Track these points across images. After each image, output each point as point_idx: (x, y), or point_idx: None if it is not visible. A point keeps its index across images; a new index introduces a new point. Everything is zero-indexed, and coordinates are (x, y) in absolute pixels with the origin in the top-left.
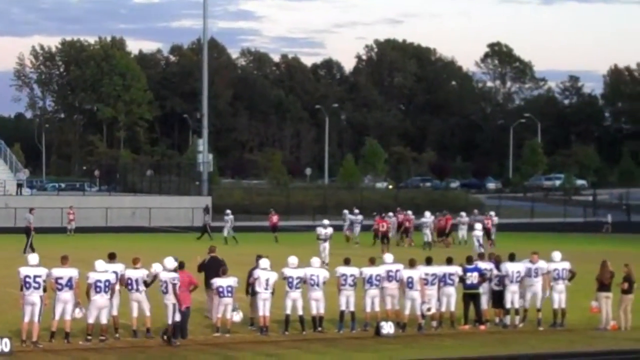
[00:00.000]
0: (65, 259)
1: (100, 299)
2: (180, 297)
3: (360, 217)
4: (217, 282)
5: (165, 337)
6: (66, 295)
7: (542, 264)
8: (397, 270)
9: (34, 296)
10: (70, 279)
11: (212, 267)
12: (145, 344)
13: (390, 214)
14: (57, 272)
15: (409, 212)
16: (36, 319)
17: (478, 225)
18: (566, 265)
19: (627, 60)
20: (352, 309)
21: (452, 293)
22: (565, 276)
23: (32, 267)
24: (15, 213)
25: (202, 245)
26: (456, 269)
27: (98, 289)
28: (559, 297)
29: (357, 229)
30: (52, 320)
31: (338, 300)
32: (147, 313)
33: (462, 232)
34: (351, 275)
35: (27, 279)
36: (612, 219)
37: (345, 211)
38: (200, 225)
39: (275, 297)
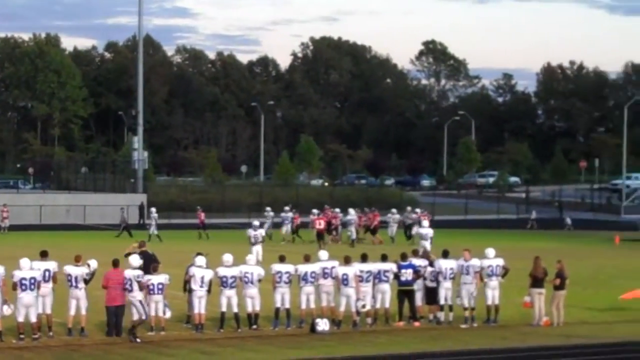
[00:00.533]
0: None
1: (26, 297)
2: (114, 295)
3: (290, 214)
4: (150, 279)
5: (129, 333)
6: None
7: (474, 261)
8: (332, 267)
9: None
10: None
11: (143, 262)
12: (80, 343)
13: (315, 211)
14: None
15: (337, 210)
16: None
17: (425, 223)
18: (500, 261)
19: (560, 59)
20: (287, 306)
21: (386, 290)
22: (499, 273)
23: None
24: None
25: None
26: (391, 266)
27: (24, 287)
28: (492, 294)
29: (288, 226)
30: None
31: (273, 298)
32: (84, 312)
33: (392, 229)
34: (286, 273)
35: None
36: (537, 216)
37: (268, 208)
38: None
39: (211, 295)
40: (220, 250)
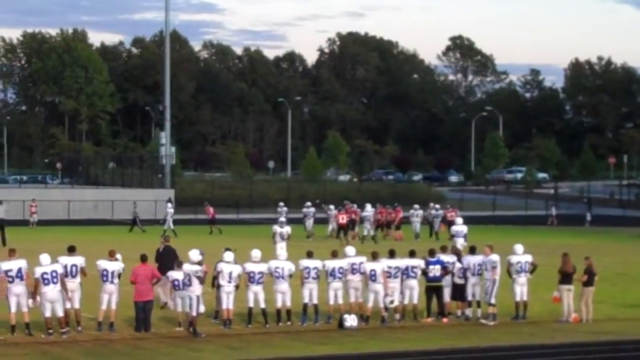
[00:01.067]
0: (12, 251)
1: (50, 292)
2: (142, 290)
3: (312, 209)
4: (173, 275)
5: (190, 329)
6: (18, 288)
7: (494, 257)
8: (360, 263)
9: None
10: (19, 270)
11: (166, 257)
12: (109, 338)
13: (332, 206)
14: (6, 265)
15: (354, 206)
16: None
17: (459, 220)
18: (528, 258)
19: (587, 54)
20: (315, 301)
21: (414, 286)
22: (528, 269)
23: None
24: None
25: (145, 237)
26: (419, 262)
27: (46, 281)
28: (521, 290)
29: (310, 221)
30: (9, 314)
31: (301, 293)
32: (114, 306)
33: (416, 226)
34: (314, 268)
35: None
36: (557, 212)
37: (281, 204)
38: (161, 218)
39: (239, 290)
40: (248, 245)
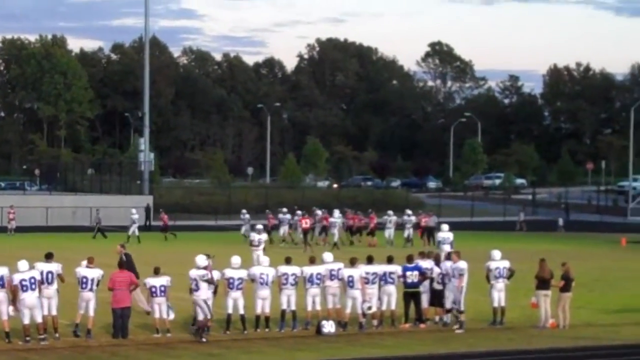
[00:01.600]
0: None
1: (28, 298)
2: (120, 296)
3: (287, 216)
4: (150, 281)
5: (196, 333)
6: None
7: (461, 264)
8: (338, 269)
9: None
10: (1, 278)
11: (129, 263)
12: (86, 345)
13: (299, 212)
14: None
15: (319, 212)
16: None
17: (445, 227)
18: (506, 263)
19: (566, 60)
20: (293, 307)
21: (392, 292)
22: (505, 274)
23: None
24: None
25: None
26: (396, 268)
27: (25, 288)
28: (499, 296)
29: (285, 228)
30: None
31: (279, 300)
32: (92, 313)
33: (389, 232)
34: (292, 274)
35: None
36: (525, 217)
37: (244, 211)
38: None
39: (217, 296)
40: (227, 252)
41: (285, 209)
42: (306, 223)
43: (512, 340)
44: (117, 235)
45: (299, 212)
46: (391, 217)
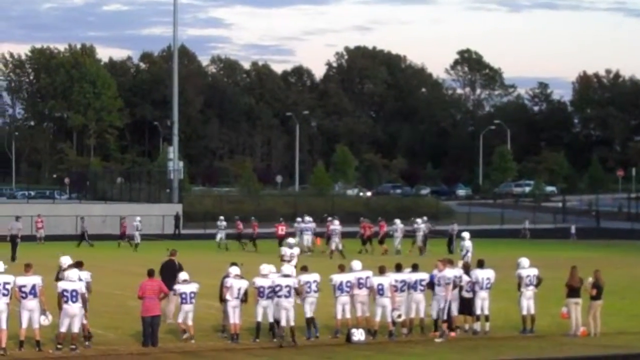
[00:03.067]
0: (28, 266)
1: (70, 308)
2: (150, 305)
3: (311, 224)
4: (180, 288)
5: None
6: (31, 304)
7: (447, 273)
8: (367, 277)
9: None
10: (33, 287)
11: (169, 271)
12: (117, 353)
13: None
14: (21, 280)
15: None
16: (4, 325)
17: (466, 234)
18: (534, 271)
19: (595, 67)
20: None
21: (421, 299)
22: (534, 282)
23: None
24: None
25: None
26: (425, 276)
27: (65, 299)
28: (528, 304)
29: (308, 236)
30: (19, 329)
31: (303, 308)
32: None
33: (397, 240)
34: (314, 282)
35: None
36: (529, 225)
37: (221, 217)
38: (174, 232)
39: (247, 305)
40: (254, 260)
41: (308, 218)
42: (282, 230)
43: (543, 349)
44: (147, 243)
45: (281, 218)
46: (398, 226)
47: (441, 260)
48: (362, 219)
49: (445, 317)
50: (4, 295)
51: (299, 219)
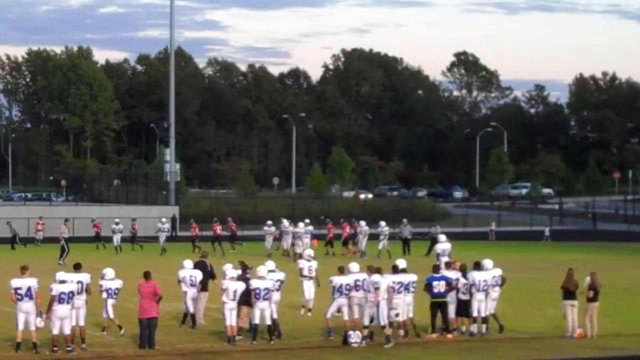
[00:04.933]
0: (24, 269)
1: (61, 309)
2: (146, 307)
3: (310, 227)
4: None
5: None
6: (27, 306)
7: (375, 278)
8: (363, 280)
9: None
10: (29, 289)
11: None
12: (113, 355)
13: (215, 219)
14: (16, 282)
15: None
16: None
17: (442, 237)
18: (498, 272)
19: (592, 69)
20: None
21: (411, 301)
22: (499, 283)
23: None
24: None
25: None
26: (416, 277)
27: (61, 300)
28: (492, 304)
29: (306, 240)
30: (15, 331)
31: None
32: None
33: (382, 243)
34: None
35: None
36: (496, 227)
37: (163, 219)
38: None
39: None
40: (254, 262)
41: (307, 220)
42: (218, 230)
43: (540, 351)
44: (144, 245)
45: (215, 218)
46: (384, 229)
47: (368, 266)
48: (328, 220)
49: (382, 322)
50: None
51: (285, 223)
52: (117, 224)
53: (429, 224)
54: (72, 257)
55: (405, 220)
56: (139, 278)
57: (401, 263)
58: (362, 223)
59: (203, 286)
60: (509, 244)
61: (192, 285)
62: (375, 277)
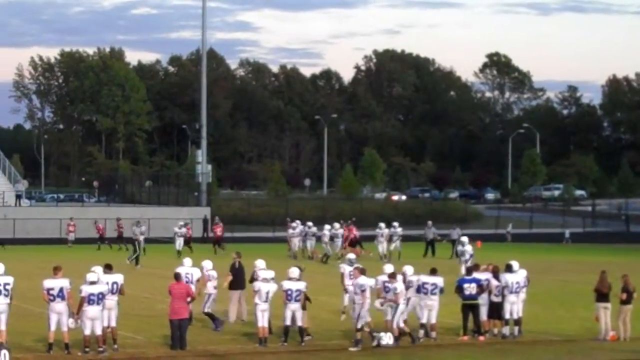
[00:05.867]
0: (57, 269)
1: (91, 310)
2: (177, 308)
3: (340, 230)
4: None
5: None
6: (59, 306)
7: (360, 281)
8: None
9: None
10: (61, 290)
11: (240, 272)
12: (145, 355)
13: (337, 225)
14: (48, 283)
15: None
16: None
17: (465, 239)
18: (524, 273)
19: (625, 70)
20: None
21: (404, 309)
22: (526, 284)
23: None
24: (13, 224)
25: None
26: (439, 280)
27: (91, 302)
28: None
29: (339, 242)
30: (48, 332)
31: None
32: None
33: (382, 246)
34: (370, 286)
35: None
36: (512, 229)
37: (180, 222)
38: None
39: (278, 308)
40: (282, 264)
41: (337, 225)
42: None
43: (572, 353)
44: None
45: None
46: (382, 230)
47: (357, 267)
48: (347, 221)
49: (358, 325)
50: (4, 295)
51: (294, 224)
52: (181, 226)
53: (461, 226)
54: (103, 258)
55: (429, 222)
56: (168, 279)
57: (388, 268)
58: (382, 225)
59: (233, 284)
60: (535, 246)
61: (188, 283)
62: (362, 279)
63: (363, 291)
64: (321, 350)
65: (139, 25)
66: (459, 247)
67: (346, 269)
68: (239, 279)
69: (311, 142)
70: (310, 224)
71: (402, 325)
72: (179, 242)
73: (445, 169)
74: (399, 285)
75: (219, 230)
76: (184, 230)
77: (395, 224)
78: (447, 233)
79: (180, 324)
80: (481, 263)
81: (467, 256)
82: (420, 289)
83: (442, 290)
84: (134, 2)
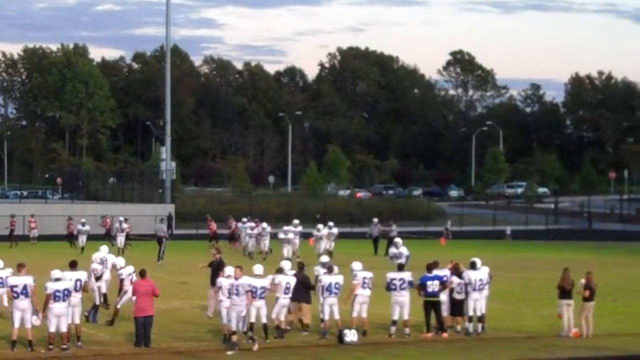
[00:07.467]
0: (21, 266)
1: (57, 307)
2: (142, 305)
3: (300, 228)
4: (249, 281)
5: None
6: (23, 304)
7: (243, 280)
8: (370, 278)
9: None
10: (25, 287)
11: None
12: (109, 353)
13: (245, 219)
14: (13, 280)
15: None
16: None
17: (399, 240)
18: (487, 270)
19: (588, 69)
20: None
21: (335, 302)
22: (488, 281)
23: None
24: None
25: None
26: (342, 278)
27: (57, 298)
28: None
29: (297, 241)
30: (11, 329)
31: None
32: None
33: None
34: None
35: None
36: (451, 226)
37: (121, 219)
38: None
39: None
40: (249, 260)
41: (246, 218)
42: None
43: (535, 350)
44: (139, 243)
45: (121, 218)
46: (321, 232)
47: (238, 266)
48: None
49: (244, 328)
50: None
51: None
52: (83, 224)
53: (425, 223)
54: (68, 255)
55: (375, 219)
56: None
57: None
58: (296, 222)
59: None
60: (505, 243)
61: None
62: (244, 279)
63: (247, 291)
64: (284, 348)
65: (103, 21)
66: (392, 249)
67: (320, 271)
68: (218, 275)
69: (275, 139)
70: (265, 224)
71: (282, 319)
72: (120, 240)
73: (409, 167)
74: (282, 278)
75: (213, 226)
76: (125, 225)
77: (331, 223)
78: (386, 229)
79: (145, 322)
80: (442, 261)
81: (404, 259)
82: (389, 285)
83: (411, 284)
84: None
